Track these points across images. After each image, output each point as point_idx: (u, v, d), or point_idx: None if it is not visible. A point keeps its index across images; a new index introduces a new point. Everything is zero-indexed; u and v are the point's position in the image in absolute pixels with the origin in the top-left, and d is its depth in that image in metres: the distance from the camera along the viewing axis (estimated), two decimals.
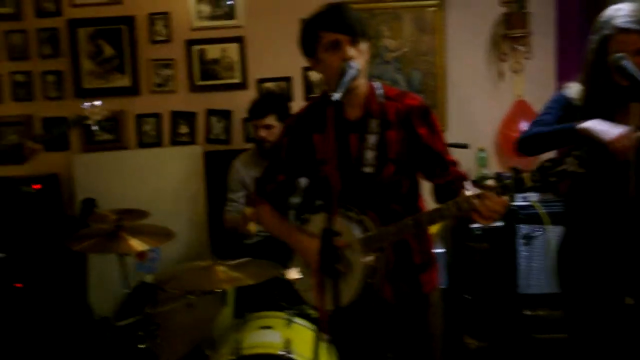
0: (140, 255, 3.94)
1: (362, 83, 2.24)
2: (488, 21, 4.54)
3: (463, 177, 2.27)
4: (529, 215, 3.71)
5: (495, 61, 4.55)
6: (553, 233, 3.64)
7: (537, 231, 3.68)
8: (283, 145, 2.47)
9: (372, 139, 2.27)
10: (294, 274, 2.48)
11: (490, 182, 2.04)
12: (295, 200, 3.95)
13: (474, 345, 3.92)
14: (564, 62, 4.57)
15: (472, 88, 4.54)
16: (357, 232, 2.25)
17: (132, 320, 3.08)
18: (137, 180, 4.44)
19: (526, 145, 2.64)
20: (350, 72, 2.11)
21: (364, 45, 2.21)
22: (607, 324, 2.56)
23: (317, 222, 2.35)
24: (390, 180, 2.30)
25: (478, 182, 2.12)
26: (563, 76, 4.57)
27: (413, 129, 2.26)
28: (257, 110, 3.97)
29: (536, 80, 4.56)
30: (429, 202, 2.44)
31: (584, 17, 4.40)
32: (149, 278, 3.37)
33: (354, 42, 2.18)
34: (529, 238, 3.69)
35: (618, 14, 2.40)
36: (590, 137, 2.35)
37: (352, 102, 2.27)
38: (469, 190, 2.05)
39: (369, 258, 2.23)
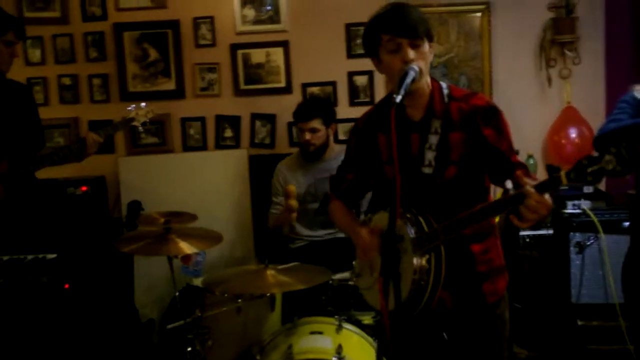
0: (186, 258, 3.95)
1: (424, 84, 2.21)
2: (535, 26, 4.49)
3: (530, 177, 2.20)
4: (581, 223, 3.64)
5: (543, 67, 4.50)
6: (606, 242, 3.59)
7: (591, 239, 3.61)
8: (351, 146, 2.49)
9: (433, 139, 2.23)
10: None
11: (528, 181, 1.97)
12: (314, 205, 3.95)
13: (524, 355, 3.86)
14: (613, 68, 4.50)
15: (520, 94, 4.48)
16: (411, 233, 2.21)
17: (181, 323, 3.05)
18: (183, 184, 4.45)
19: (604, 142, 2.58)
20: (411, 75, 2.08)
21: (426, 47, 2.17)
22: None
23: (379, 220, 2.34)
24: (452, 182, 2.25)
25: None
26: (612, 81, 4.50)
27: (478, 130, 2.21)
28: (303, 113, 3.97)
29: (585, 86, 4.51)
30: None
31: (633, 21, 4.33)
32: (196, 281, 3.34)
33: (414, 45, 2.15)
34: (581, 246, 3.61)
35: None
36: None
37: (415, 103, 2.24)
38: (510, 190, 1.97)
39: (421, 259, 2.19)
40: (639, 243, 2.62)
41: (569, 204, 3.96)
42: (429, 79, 2.24)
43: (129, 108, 3.64)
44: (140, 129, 3.65)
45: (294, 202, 3.77)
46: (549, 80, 4.49)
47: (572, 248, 3.66)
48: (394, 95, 1.99)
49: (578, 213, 3.72)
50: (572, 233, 3.66)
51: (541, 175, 4.51)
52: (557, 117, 4.48)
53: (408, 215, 2.20)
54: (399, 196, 1.96)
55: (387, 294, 1.90)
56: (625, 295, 2.67)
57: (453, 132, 2.22)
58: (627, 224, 3.54)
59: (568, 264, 3.65)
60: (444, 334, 2.37)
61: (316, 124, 3.92)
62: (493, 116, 2.22)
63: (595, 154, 1.84)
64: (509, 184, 1.97)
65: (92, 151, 3.48)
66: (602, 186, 4.47)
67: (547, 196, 1.91)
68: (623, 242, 3.51)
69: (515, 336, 3.83)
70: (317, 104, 4.07)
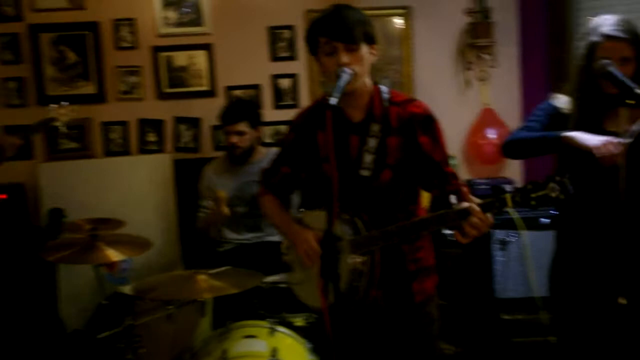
0: (110, 266, 3.86)
1: (361, 86, 2.27)
2: (454, 30, 4.62)
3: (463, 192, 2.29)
4: (503, 221, 3.76)
5: (461, 70, 4.64)
6: (528, 238, 3.74)
7: (513, 236, 3.75)
8: (289, 140, 2.51)
9: (372, 142, 2.29)
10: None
11: (473, 199, 2.06)
12: (242, 209, 3.95)
13: (451, 351, 3.96)
14: (527, 71, 4.68)
15: (440, 96, 4.59)
16: (347, 234, 2.26)
17: (112, 332, 2.98)
18: (105, 189, 4.35)
19: (511, 149, 2.70)
20: (344, 78, 2.13)
21: (363, 50, 2.22)
22: (599, 326, 2.62)
23: (312, 217, 2.40)
24: (386, 186, 2.31)
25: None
26: (527, 84, 4.69)
27: (414, 137, 2.28)
28: (229, 116, 3.95)
29: (501, 89, 4.67)
30: None
31: (547, 27, 4.53)
32: (124, 289, 3.28)
33: (350, 49, 2.19)
34: (504, 243, 3.75)
35: (605, 22, 2.49)
36: (574, 146, 2.42)
37: (354, 104, 2.30)
38: (455, 204, 2.08)
39: (356, 260, 2.24)
40: (565, 242, 2.75)
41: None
42: (368, 81, 2.30)
43: (50, 107, 3.54)
44: (64, 129, 3.55)
45: (225, 209, 3.76)
46: (468, 83, 4.63)
47: (494, 245, 3.79)
48: (328, 98, 2.03)
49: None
50: (494, 230, 3.79)
51: (462, 174, 4.64)
52: (476, 118, 4.63)
53: (345, 216, 2.25)
54: (336, 197, 2.01)
55: (327, 294, 1.93)
56: (550, 291, 2.79)
57: (390, 137, 2.29)
58: (546, 220, 3.70)
59: (491, 260, 3.78)
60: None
61: (243, 127, 3.91)
62: (429, 125, 2.31)
63: (540, 180, 1.94)
64: (453, 199, 2.07)
65: (9, 154, 3.36)
66: (519, 184, 4.65)
67: (489, 215, 1.99)
68: (543, 237, 3.70)
69: (442, 333, 3.91)
70: (243, 107, 4.06)
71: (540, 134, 2.58)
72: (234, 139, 3.91)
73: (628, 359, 2.57)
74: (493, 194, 3.89)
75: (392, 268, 2.34)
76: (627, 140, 2.33)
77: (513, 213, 3.75)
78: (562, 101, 2.64)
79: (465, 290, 4.07)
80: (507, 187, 4.32)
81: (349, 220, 2.26)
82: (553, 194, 1.92)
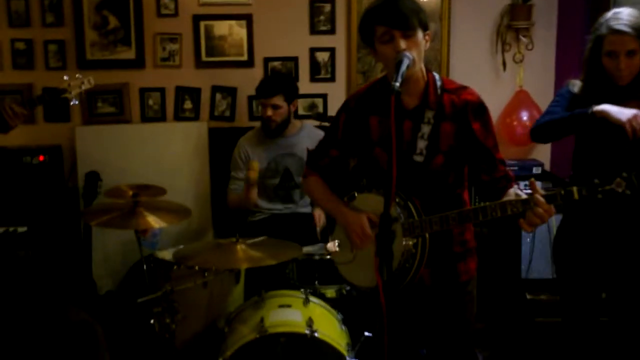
0: (143, 230, 3.94)
1: (418, 72, 2.30)
2: (493, 11, 4.61)
3: (510, 178, 2.35)
4: None
5: (498, 51, 4.63)
6: (555, 220, 3.78)
7: None
8: (339, 123, 2.53)
9: (425, 129, 2.33)
10: (332, 246, 2.53)
11: (539, 189, 2.10)
12: (275, 181, 4.01)
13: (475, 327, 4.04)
14: (563, 55, 4.67)
15: (475, 76, 4.61)
16: (402, 217, 2.32)
17: (152, 296, 3.06)
18: (141, 155, 4.42)
19: (540, 132, 2.78)
20: (405, 62, 2.17)
21: (419, 36, 2.25)
22: (593, 310, 2.78)
23: (363, 200, 2.44)
24: (438, 171, 2.36)
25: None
26: (562, 68, 4.69)
27: (467, 123, 2.32)
28: (266, 89, 3.99)
29: (536, 71, 4.67)
30: None
31: (586, 11, 4.50)
32: (165, 254, 3.35)
33: (407, 35, 2.23)
34: None
35: (616, 16, 2.57)
36: (605, 118, 2.50)
37: (409, 91, 2.33)
38: (517, 194, 2.13)
39: (409, 243, 2.30)
40: (569, 222, 2.84)
41: (520, 184, 4.14)
42: (423, 68, 2.34)
43: (64, 78, 3.55)
44: (75, 101, 3.55)
45: (254, 175, 3.81)
46: (504, 64, 4.64)
47: None
48: (393, 82, 2.07)
49: (528, 193, 3.89)
50: None
51: None
52: (510, 100, 4.64)
53: (397, 200, 2.31)
54: (394, 183, 2.06)
55: (383, 272, 2.00)
56: (556, 269, 2.92)
57: (444, 123, 2.34)
58: None
59: (519, 242, 3.84)
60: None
61: (278, 100, 3.95)
62: (482, 112, 2.35)
63: (605, 175, 2.00)
64: (515, 189, 2.16)
65: (15, 124, 3.32)
66: (547, 166, 4.68)
67: (552, 205, 2.06)
68: None
69: None
70: (280, 81, 4.09)
71: (569, 113, 2.66)
72: (269, 112, 3.95)
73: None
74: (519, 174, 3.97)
75: (440, 249, 2.41)
76: None
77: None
78: (579, 87, 2.70)
79: (491, 270, 4.13)
80: (536, 170, 4.36)
81: (402, 204, 2.31)
82: (619, 189, 1.97)
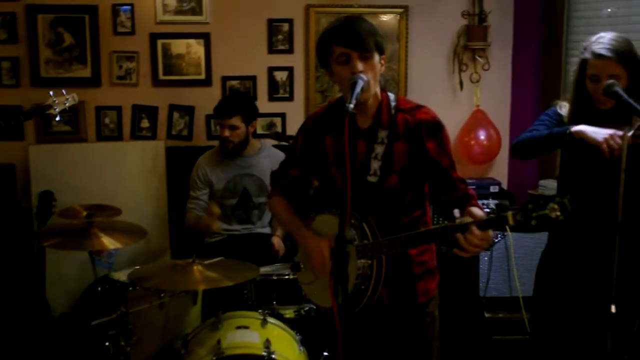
0: (98, 251, 3.86)
1: (372, 94, 2.31)
2: (450, 32, 4.68)
3: (470, 196, 2.33)
4: None
5: (455, 71, 4.70)
6: (512, 239, 3.82)
7: (498, 237, 3.83)
8: (297, 144, 2.54)
9: (379, 149, 2.33)
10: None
11: (476, 215, 2.10)
12: (233, 201, 3.99)
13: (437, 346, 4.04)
14: (519, 74, 4.77)
15: (433, 96, 4.65)
16: (356, 238, 2.31)
17: (106, 319, 2.99)
18: (96, 174, 4.34)
19: (520, 149, 2.82)
20: (360, 84, 2.18)
21: (375, 59, 2.27)
22: (573, 328, 2.79)
23: (321, 221, 2.45)
24: (392, 191, 2.36)
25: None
26: (518, 88, 4.78)
27: (422, 143, 2.33)
28: (223, 110, 3.97)
29: (493, 91, 4.75)
30: None
31: (539, 32, 4.61)
32: (121, 276, 3.29)
33: (363, 57, 2.24)
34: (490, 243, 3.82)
35: (599, 40, 2.60)
36: (582, 139, 2.53)
37: (363, 112, 2.34)
38: (458, 218, 2.11)
39: (364, 264, 2.29)
40: (556, 241, 2.86)
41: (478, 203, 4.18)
42: (378, 90, 2.34)
43: (50, 93, 3.51)
44: (58, 118, 3.52)
45: (215, 225, 3.88)
46: (461, 84, 4.70)
47: None
48: (347, 104, 2.08)
49: (486, 212, 3.93)
50: None
51: None
52: (467, 119, 4.70)
53: (352, 221, 2.30)
54: (349, 205, 2.05)
55: (337, 294, 1.99)
56: (535, 288, 2.93)
57: (397, 143, 2.34)
58: None
59: (477, 260, 3.86)
60: None
61: (236, 121, 3.94)
62: (437, 131, 2.35)
63: (540, 200, 1.97)
64: (457, 213, 2.12)
65: None
66: (504, 185, 4.74)
67: (490, 231, 2.05)
68: (527, 239, 3.79)
69: None
70: (238, 101, 4.09)
71: (548, 131, 2.69)
72: (226, 132, 3.94)
73: None
74: (479, 195, 4.03)
75: (398, 270, 2.40)
76: (630, 133, 2.43)
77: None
78: (566, 109, 2.74)
79: (450, 288, 4.15)
80: (493, 188, 4.40)
81: (357, 225, 2.31)
82: (553, 215, 1.95)
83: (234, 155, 4.02)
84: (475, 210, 2.17)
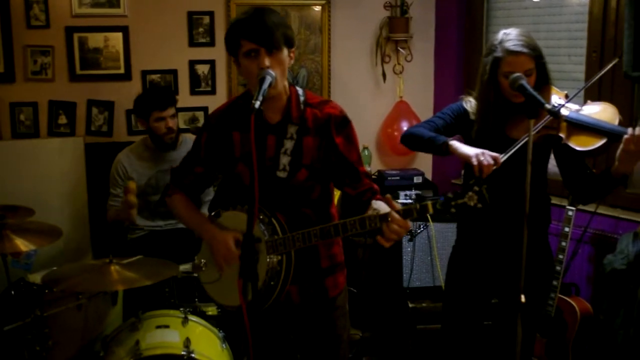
0: (16, 253, 3.75)
1: (281, 89, 2.29)
2: (372, 23, 4.70)
3: (375, 190, 2.36)
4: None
5: (378, 62, 4.72)
6: (435, 229, 3.88)
7: (421, 227, 3.88)
8: (201, 142, 2.49)
9: (288, 144, 2.32)
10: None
11: (395, 205, 2.12)
12: (155, 197, 3.93)
13: (358, 335, 4.09)
14: (441, 66, 4.83)
15: (357, 88, 4.69)
16: (265, 234, 2.30)
17: (19, 323, 2.91)
18: (12, 173, 4.18)
19: (407, 140, 2.86)
20: (267, 80, 2.15)
21: (283, 53, 2.24)
22: (475, 318, 2.90)
23: (228, 218, 2.41)
24: (302, 185, 2.36)
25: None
26: (440, 79, 4.84)
27: (331, 137, 2.33)
28: (164, 99, 3.88)
29: (416, 82, 4.80)
30: None
31: (460, 25, 4.68)
32: (35, 278, 3.20)
33: (271, 52, 2.21)
34: (412, 234, 3.87)
35: (508, 37, 2.61)
36: (454, 154, 2.61)
37: (272, 106, 2.32)
38: (376, 209, 2.14)
39: (273, 260, 2.28)
40: (463, 237, 2.94)
41: (401, 193, 4.24)
42: (286, 85, 2.33)
43: None
44: None
45: (133, 198, 3.67)
46: (384, 75, 4.73)
47: (404, 236, 3.91)
48: (253, 101, 2.05)
49: (408, 203, 3.97)
50: None
51: (375, 165, 4.76)
52: (391, 110, 4.74)
53: (261, 217, 2.29)
54: (257, 203, 2.03)
55: (246, 293, 1.97)
56: (446, 279, 3.02)
57: (307, 137, 2.33)
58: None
59: (400, 251, 3.90)
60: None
61: (173, 111, 3.88)
62: (345, 126, 2.36)
63: (460, 189, 2.04)
64: (375, 204, 2.14)
65: None
66: (428, 175, 4.80)
67: (408, 220, 2.07)
68: (449, 229, 3.85)
69: (350, 318, 4.05)
70: (171, 92, 4.04)
71: (432, 135, 2.73)
72: (170, 123, 3.85)
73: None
74: (401, 184, 4.06)
75: (307, 265, 2.40)
76: (503, 157, 2.51)
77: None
78: (471, 105, 2.76)
79: (374, 279, 4.20)
80: (417, 179, 4.46)
81: (267, 221, 2.29)
82: (471, 203, 2.01)
83: (173, 147, 3.95)
84: (380, 203, 2.18)
